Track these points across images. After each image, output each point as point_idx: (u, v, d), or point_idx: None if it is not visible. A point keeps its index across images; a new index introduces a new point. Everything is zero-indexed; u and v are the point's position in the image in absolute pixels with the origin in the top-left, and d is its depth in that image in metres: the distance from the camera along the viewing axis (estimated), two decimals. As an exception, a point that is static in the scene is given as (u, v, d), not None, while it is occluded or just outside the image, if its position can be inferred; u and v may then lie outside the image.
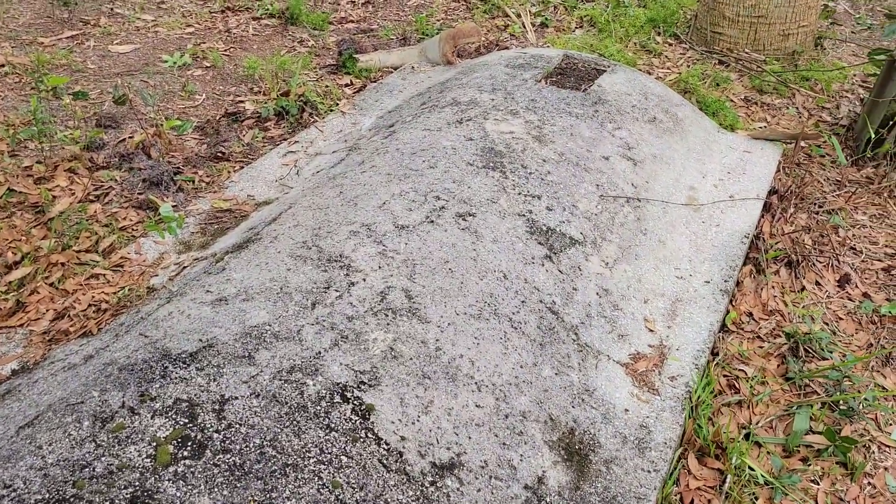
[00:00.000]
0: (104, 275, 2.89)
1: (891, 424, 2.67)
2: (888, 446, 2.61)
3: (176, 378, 2.17)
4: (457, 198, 3.02)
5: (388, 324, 2.41)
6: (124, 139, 3.79)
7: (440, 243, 2.77)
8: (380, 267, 2.64)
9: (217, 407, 2.09)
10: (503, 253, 2.80)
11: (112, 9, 5.53)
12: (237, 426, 2.00)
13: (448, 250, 2.74)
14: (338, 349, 2.30)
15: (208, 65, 4.82)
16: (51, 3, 5.26)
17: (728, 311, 3.05)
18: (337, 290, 2.52)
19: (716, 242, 3.31)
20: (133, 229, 3.19)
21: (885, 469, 2.53)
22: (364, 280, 2.57)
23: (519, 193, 3.11)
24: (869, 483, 2.49)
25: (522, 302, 2.64)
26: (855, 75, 5.39)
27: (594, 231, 3.07)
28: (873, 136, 4.13)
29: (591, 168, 3.37)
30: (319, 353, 2.27)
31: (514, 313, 2.59)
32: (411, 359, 2.32)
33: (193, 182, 3.52)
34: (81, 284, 2.82)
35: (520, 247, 2.85)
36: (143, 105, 4.06)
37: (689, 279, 3.08)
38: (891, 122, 4.12)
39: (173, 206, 3.30)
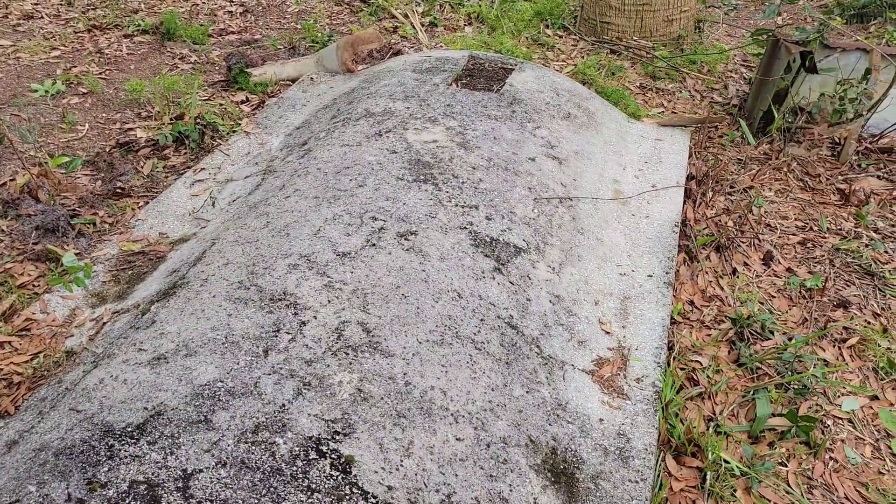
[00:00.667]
0: (10, 342, 2.55)
1: (839, 397, 2.77)
2: (840, 419, 2.69)
3: (126, 457, 1.93)
4: (394, 216, 2.88)
5: (350, 363, 2.25)
6: (5, 183, 3.39)
7: (387, 268, 2.62)
8: (329, 301, 2.46)
9: (181, 484, 1.87)
10: (453, 270, 2.68)
11: (-39, 35, 4.97)
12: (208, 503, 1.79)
13: (397, 274, 2.60)
14: (302, 398, 2.11)
15: (85, 91, 4.41)
16: None
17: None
18: (288, 332, 2.33)
19: (649, 234, 3.33)
20: (34, 285, 2.85)
21: (843, 441, 2.61)
22: (315, 317, 2.40)
23: (456, 205, 3.00)
24: (831, 458, 2.56)
25: (481, 320, 2.54)
26: (735, 55, 5.62)
27: (535, 236, 3.01)
28: (778, 116, 4.30)
29: (521, 171, 3.31)
30: (283, 405, 2.09)
31: (475, 334, 2.48)
32: (382, 398, 2.17)
33: (94, 224, 3.19)
34: (-15, 357, 2.48)
35: (468, 262, 2.75)
36: (22, 142, 3.65)
37: (632, 275, 3.08)
38: (780, 99, 4.30)
39: (77, 254, 2.97)
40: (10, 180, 3.40)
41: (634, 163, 3.84)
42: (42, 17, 5.50)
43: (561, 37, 5.79)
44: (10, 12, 5.49)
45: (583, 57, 5.40)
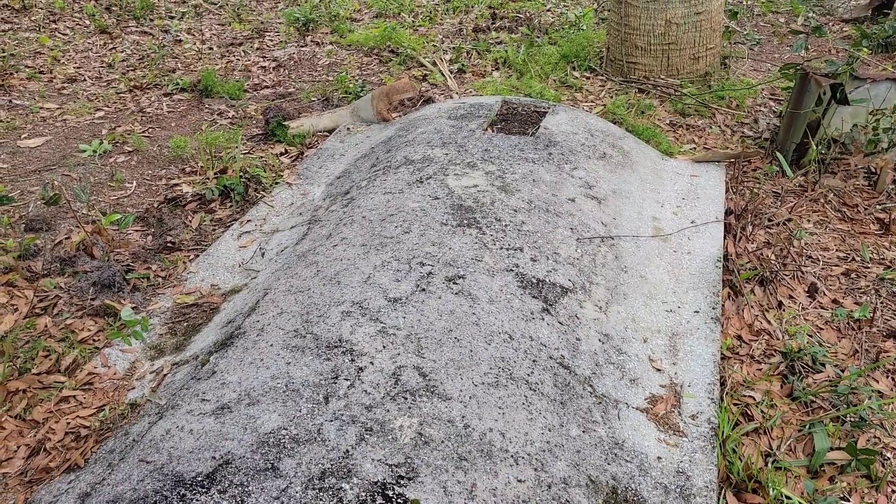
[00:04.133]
0: (74, 396, 2.62)
1: (897, 428, 2.74)
2: (900, 450, 2.66)
3: (198, 506, 1.97)
4: (441, 261, 2.93)
5: (409, 407, 2.28)
6: (61, 241, 3.50)
7: (438, 312, 2.67)
8: (384, 346, 2.51)
9: (254, 532, 1.90)
10: (503, 312, 2.72)
11: (10, 101, 5.17)
12: (286, 552, 1.82)
13: (448, 318, 2.64)
14: (365, 444, 2.15)
15: (130, 149, 4.56)
16: (-58, 102, 4.88)
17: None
18: (347, 379, 2.37)
19: (692, 270, 3.34)
20: (94, 340, 2.92)
21: (905, 473, 2.58)
22: (372, 363, 2.44)
23: (501, 248, 3.05)
24: (893, 491, 2.53)
25: (534, 361, 2.57)
26: (763, 89, 5.67)
27: (580, 276, 3.04)
28: (815, 148, 4.32)
29: (562, 212, 3.36)
30: (347, 451, 2.12)
31: (528, 374, 2.51)
32: (443, 441, 2.19)
33: (148, 278, 3.28)
34: (52, 411, 2.54)
35: (516, 303, 2.78)
36: (76, 201, 3.78)
37: (678, 311, 3.09)
38: (812, 131, 4.32)
39: (133, 308, 3.06)
40: (66, 238, 3.51)
41: (672, 199, 3.87)
42: (85, 80, 5.71)
43: (588, 78, 5.88)
44: (55, 76, 5.71)
45: (611, 97, 5.48)
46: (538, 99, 4.85)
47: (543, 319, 2.75)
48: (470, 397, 2.36)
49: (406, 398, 2.32)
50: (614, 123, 4.91)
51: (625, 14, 5.50)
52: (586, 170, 3.73)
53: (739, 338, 3.16)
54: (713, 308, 3.11)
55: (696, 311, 3.09)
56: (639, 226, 3.54)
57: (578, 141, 3.96)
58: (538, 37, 6.70)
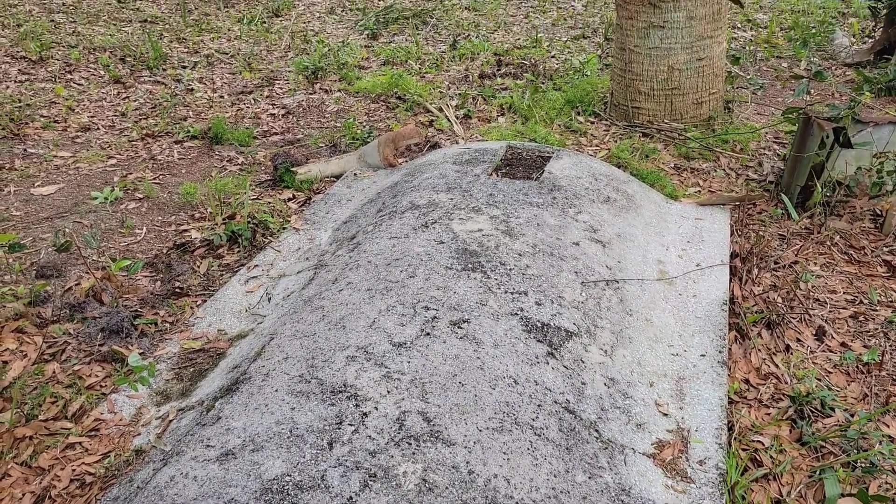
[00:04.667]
0: (80, 443, 2.62)
1: (909, 473, 2.70)
2: (913, 496, 2.62)
3: (200, 554, 1.95)
4: (446, 305, 2.94)
5: (413, 453, 2.28)
6: (70, 287, 3.54)
7: (443, 356, 2.67)
8: (388, 391, 2.51)
9: (255, 581, 1.88)
10: (507, 357, 2.72)
11: (25, 150, 5.27)
12: None
13: (453, 363, 2.65)
14: (369, 490, 2.14)
15: (141, 196, 4.63)
16: (-41, 151, 4.98)
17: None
18: (351, 424, 2.37)
19: (698, 313, 3.34)
20: (101, 386, 2.94)
21: (918, 520, 2.53)
22: (376, 408, 2.44)
23: (506, 292, 3.06)
24: (907, 537, 2.48)
25: (539, 406, 2.56)
26: (767, 133, 5.72)
27: (585, 320, 3.04)
28: (820, 191, 4.34)
29: (566, 256, 3.37)
30: (351, 497, 2.11)
31: (533, 419, 2.50)
32: (447, 488, 2.18)
33: (156, 324, 3.31)
34: (57, 458, 2.54)
35: (521, 348, 2.78)
36: (86, 248, 3.82)
37: (684, 355, 3.08)
38: (816, 174, 4.35)
39: (140, 354, 3.07)
40: (76, 284, 3.55)
41: (677, 243, 3.88)
42: (98, 129, 5.82)
43: (592, 123, 5.95)
44: (69, 125, 5.82)
45: (616, 141, 5.54)
46: (543, 144, 4.90)
47: (548, 363, 2.75)
48: (474, 443, 2.35)
49: (410, 444, 2.31)
50: (619, 167, 4.95)
51: (628, 60, 5.59)
52: (590, 214, 3.75)
53: (747, 381, 3.14)
54: (720, 351, 3.10)
55: (703, 355, 3.08)
56: (644, 269, 3.55)
57: (582, 185, 4.00)
58: (543, 82, 6.80)
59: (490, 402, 2.51)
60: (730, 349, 3.28)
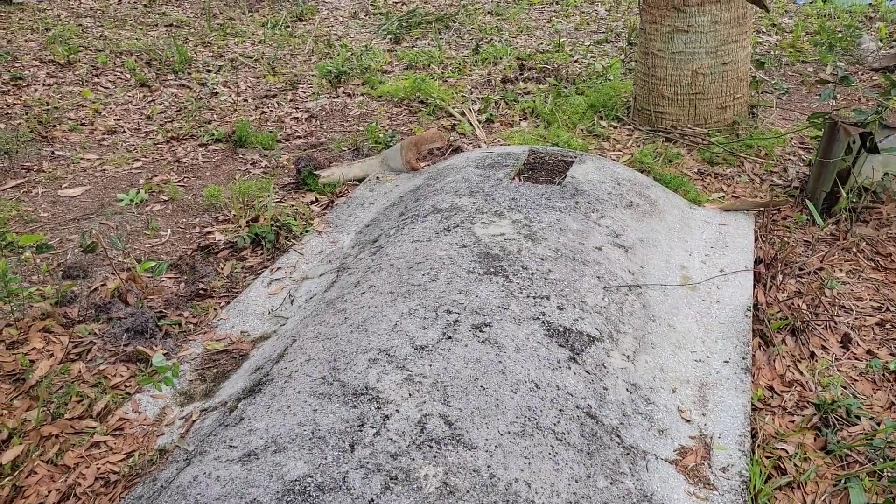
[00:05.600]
0: (105, 442, 2.65)
1: (937, 483, 2.65)
2: (941, 507, 2.58)
3: (223, 554, 1.97)
4: (468, 309, 2.94)
5: (434, 456, 2.28)
6: (96, 288, 3.59)
7: (465, 360, 2.67)
8: (410, 395, 2.51)
9: (277, 581, 1.89)
10: (529, 361, 2.72)
11: (53, 152, 5.36)
12: None
13: (475, 366, 2.65)
14: (390, 493, 2.14)
15: (166, 198, 4.68)
16: (-11, 153, 5.07)
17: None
18: (372, 426, 2.38)
19: (721, 319, 3.31)
20: (126, 386, 2.97)
21: (947, 531, 2.49)
22: (398, 411, 2.44)
23: (527, 296, 3.06)
24: (935, 549, 2.44)
25: (560, 411, 2.55)
26: (792, 138, 5.66)
27: (608, 325, 3.03)
28: (846, 196, 4.29)
29: (588, 260, 3.36)
30: (372, 500, 2.12)
31: (555, 424, 2.49)
32: (468, 491, 2.18)
33: (180, 325, 3.34)
34: (83, 456, 2.58)
35: (543, 352, 2.78)
36: (112, 249, 3.88)
37: (707, 361, 3.06)
38: (842, 180, 4.29)
39: (164, 354, 3.11)
40: (102, 285, 3.60)
41: (700, 248, 3.86)
42: (124, 132, 5.90)
43: (615, 127, 5.93)
44: (96, 128, 5.91)
45: (639, 146, 5.51)
46: (565, 148, 4.90)
47: (570, 368, 2.74)
48: (496, 446, 2.35)
49: (432, 447, 2.31)
50: (642, 172, 4.93)
51: (651, 65, 5.57)
52: (613, 218, 3.74)
53: (771, 388, 3.11)
54: (743, 358, 3.07)
55: (726, 361, 3.06)
56: (666, 274, 3.53)
57: (605, 190, 3.98)
58: (565, 87, 6.79)
59: (511, 406, 2.51)
60: (754, 356, 3.25)
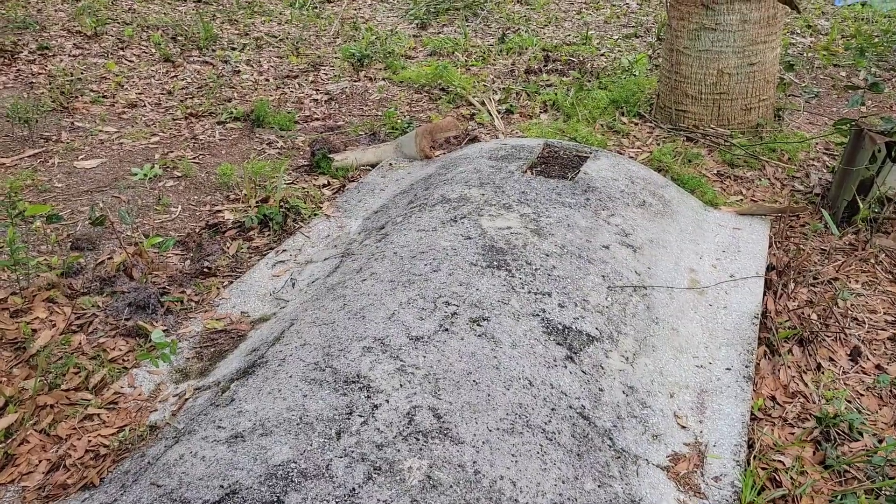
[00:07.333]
0: (98, 415, 2.67)
1: (937, 505, 2.59)
2: (939, 529, 2.51)
3: (200, 535, 1.97)
4: (467, 302, 2.91)
5: (420, 448, 2.26)
6: (103, 261, 3.61)
7: (459, 353, 2.64)
8: (401, 385, 2.49)
9: (251, 565, 1.89)
10: (524, 358, 2.68)
11: (72, 123, 5.39)
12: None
13: (469, 360, 2.62)
14: (373, 483, 2.13)
15: (179, 174, 4.69)
16: (9, 122, 5.10)
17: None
18: (361, 415, 2.36)
19: (727, 325, 3.25)
20: (124, 360, 2.98)
21: (943, 555, 2.43)
22: (387, 401, 2.42)
23: (529, 292, 3.02)
24: (929, 573, 2.38)
25: (552, 410, 2.52)
26: (817, 144, 5.55)
27: (609, 325, 2.99)
28: (865, 206, 4.20)
29: (595, 259, 3.32)
30: (353, 489, 2.10)
31: (546, 423, 2.46)
32: (451, 486, 2.16)
33: (182, 302, 3.35)
34: (75, 428, 2.59)
35: (540, 349, 2.74)
36: (120, 223, 3.89)
37: (709, 367, 3.00)
38: (865, 189, 4.19)
39: (164, 331, 3.11)
40: (108, 259, 3.61)
41: (711, 252, 3.79)
42: (145, 106, 5.92)
43: (636, 124, 5.84)
44: (117, 101, 5.93)
45: (658, 144, 5.43)
46: (582, 143, 4.83)
47: (566, 367, 2.70)
48: (483, 442, 2.32)
49: (418, 439, 2.29)
50: (659, 171, 4.86)
51: (676, 62, 5.47)
52: (623, 217, 3.68)
53: (773, 399, 3.05)
54: (746, 366, 3.01)
55: (728, 369, 3.00)
56: (674, 277, 3.47)
57: (618, 187, 3.92)
58: (588, 81, 6.70)
59: (503, 403, 2.48)
60: (758, 364, 3.19)
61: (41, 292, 3.29)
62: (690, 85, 5.47)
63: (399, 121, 5.70)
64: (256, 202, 4.20)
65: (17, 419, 2.61)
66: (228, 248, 3.83)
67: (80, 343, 3.05)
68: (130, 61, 6.98)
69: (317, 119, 6.00)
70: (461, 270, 3.10)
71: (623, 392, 2.74)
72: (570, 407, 2.56)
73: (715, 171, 5.11)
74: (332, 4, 9.96)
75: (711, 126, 5.53)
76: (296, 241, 3.86)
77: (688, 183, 4.74)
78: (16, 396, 2.71)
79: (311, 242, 3.85)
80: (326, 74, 7.06)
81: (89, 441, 2.54)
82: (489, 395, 2.50)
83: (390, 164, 4.72)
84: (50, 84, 6.04)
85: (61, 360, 2.93)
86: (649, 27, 9.02)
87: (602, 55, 7.83)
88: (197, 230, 3.99)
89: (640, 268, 3.40)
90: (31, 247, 3.68)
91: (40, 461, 2.47)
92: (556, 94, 6.34)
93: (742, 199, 4.78)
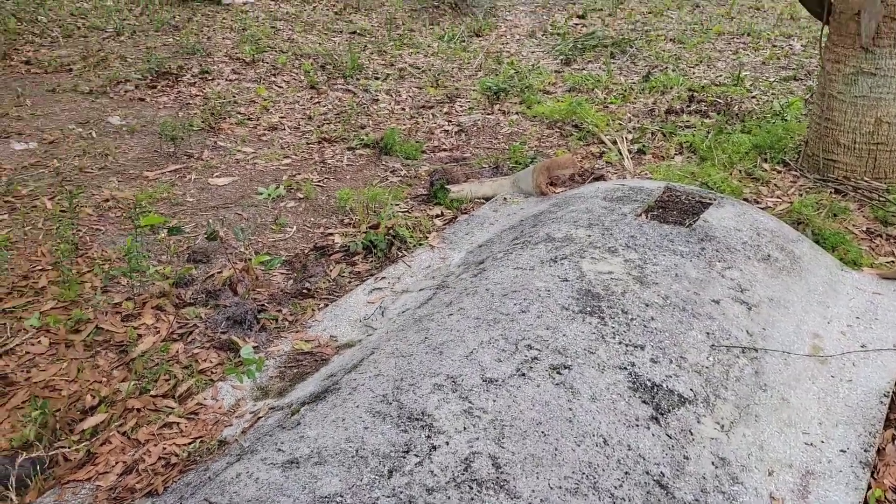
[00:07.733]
0: (178, 423, 2.75)
1: None
2: None
3: (234, 558, 1.95)
4: (550, 347, 2.77)
5: (472, 498, 2.14)
6: (212, 275, 3.77)
7: (532, 401, 2.50)
8: (465, 428, 2.39)
9: None
10: (603, 413, 2.50)
11: (216, 142, 5.73)
12: None
13: (541, 409, 2.47)
14: (414, 529, 2.03)
15: (301, 196, 4.85)
16: (159, 139, 5.51)
17: (869, 487, 2.60)
18: (417, 455, 2.28)
19: (849, 402, 2.89)
20: (212, 372, 3.07)
21: None
22: (447, 443, 2.33)
23: (619, 343, 2.83)
24: None
25: (626, 473, 2.32)
26: None
27: (706, 387, 2.73)
28: None
29: (700, 313, 3.06)
30: (393, 533, 2.01)
31: (616, 487, 2.26)
32: (497, 544, 2.02)
33: (277, 321, 3.42)
34: (154, 434, 2.68)
35: (622, 406, 2.55)
36: (235, 240, 4.06)
37: (820, 447, 2.67)
38: None
39: (254, 347, 3.18)
40: (218, 272, 3.77)
41: (843, 317, 3.41)
42: (284, 129, 6.22)
43: (779, 172, 5.43)
44: (260, 123, 6.27)
45: (801, 195, 5.00)
46: (712, 189, 4.54)
47: (649, 428, 2.49)
48: (541, 500, 2.17)
49: (472, 487, 2.18)
50: (798, 224, 4.46)
51: (827, 107, 5.04)
52: (742, 271, 3.39)
53: (895, 491, 2.66)
54: (865, 450, 2.65)
55: (843, 451, 2.65)
56: (794, 341, 3.14)
57: (740, 238, 3.63)
58: (731, 123, 6.33)
59: (570, 459, 2.31)
60: (883, 449, 2.80)
61: (152, 299, 3.48)
62: (843, 133, 5.01)
63: (524, 155, 5.62)
64: (366, 228, 4.26)
65: (104, 419, 2.74)
66: (331, 271, 3.88)
67: (177, 351, 3.18)
68: (280, 87, 7.37)
69: (444, 150, 6.04)
70: (550, 313, 2.96)
71: (713, 463, 2.48)
72: (647, 472, 2.34)
73: (864, 228, 4.63)
74: (481, 38, 10.09)
75: (864, 179, 5.03)
76: (396, 270, 3.86)
77: (829, 239, 4.31)
78: (109, 397, 2.86)
79: (411, 272, 3.83)
80: (461, 106, 7.12)
81: (164, 448, 2.62)
82: (556, 449, 2.34)
83: (504, 198, 4.64)
84: (203, 105, 6.48)
85: (157, 366, 3.06)
86: (811, 70, 8.43)
87: (753, 97, 7.39)
88: (305, 251, 4.09)
89: (754, 328, 3.10)
90: (153, 256, 3.91)
91: (117, 462, 2.57)
92: (693, 135, 6.02)
93: (894, 262, 4.29)
